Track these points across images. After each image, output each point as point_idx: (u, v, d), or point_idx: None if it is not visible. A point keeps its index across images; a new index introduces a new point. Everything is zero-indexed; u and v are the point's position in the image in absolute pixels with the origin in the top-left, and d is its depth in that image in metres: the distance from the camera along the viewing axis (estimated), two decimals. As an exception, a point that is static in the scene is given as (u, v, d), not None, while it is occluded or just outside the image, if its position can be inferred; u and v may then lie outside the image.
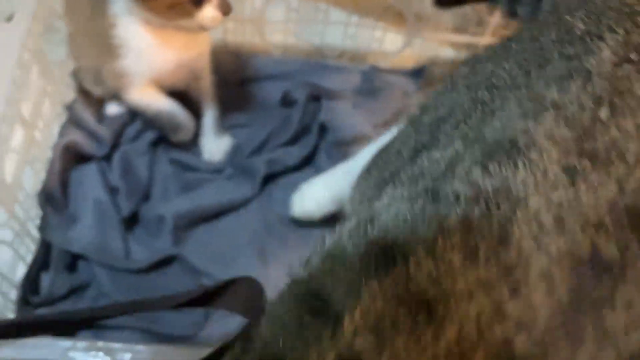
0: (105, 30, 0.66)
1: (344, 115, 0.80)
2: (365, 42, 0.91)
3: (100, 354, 0.49)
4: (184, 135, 0.78)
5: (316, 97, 0.81)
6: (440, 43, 0.91)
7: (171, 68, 0.70)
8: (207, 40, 0.73)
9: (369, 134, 0.80)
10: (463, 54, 0.92)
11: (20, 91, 0.63)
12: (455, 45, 0.94)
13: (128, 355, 0.50)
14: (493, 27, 0.87)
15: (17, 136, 0.63)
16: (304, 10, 0.87)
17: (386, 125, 0.85)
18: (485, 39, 0.89)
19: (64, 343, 0.49)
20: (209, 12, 0.63)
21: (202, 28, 0.64)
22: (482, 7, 0.86)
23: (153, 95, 0.74)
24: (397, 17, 0.87)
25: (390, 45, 0.91)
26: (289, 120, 0.79)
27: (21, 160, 0.65)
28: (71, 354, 0.49)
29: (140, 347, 0.50)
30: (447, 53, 0.94)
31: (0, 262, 0.61)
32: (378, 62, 0.91)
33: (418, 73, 0.89)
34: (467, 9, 0.86)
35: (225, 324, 0.66)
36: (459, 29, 0.90)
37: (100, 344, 0.49)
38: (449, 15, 0.88)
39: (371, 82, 0.87)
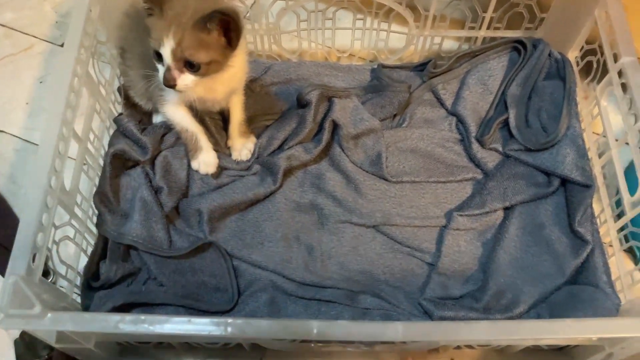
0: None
1: (353, 111, 0.88)
2: (372, 42, 0.98)
3: (145, 325, 0.60)
4: (203, 167, 0.84)
5: (328, 96, 0.88)
6: (442, 38, 0.97)
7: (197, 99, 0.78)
8: (234, 82, 0.79)
9: (377, 127, 0.88)
10: (463, 46, 0.99)
11: (74, 112, 0.74)
12: (456, 39, 0.99)
13: (168, 326, 0.61)
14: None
15: (73, 150, 0.74)
16: (313, 19, 0.95)
17: (393, 118, 0.92)
18: (482, 32, 0.94)
19: (115, 317, 0.60)
20: None
21: None
22: (476, 4, 0.91)
23: (182, 114, 0.81)
24: (400, 16, 0.93)
25: (397, 43, 0.98)
26: (304, 119, 0.87)
27: (77, 169, 0.77)
28: (121, 325, 0.60)
29: (176, 319, 0.61)
30: (449, 46, 1.00)
31: (65, 255, 0.73)
32: (387, 60, 0.98)
33: (423, 66, 0.95)
34: (463, 5, 0.91)
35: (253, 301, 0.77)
36: (458, 24, 0.96)
37: (143, 316, 0.60)
38: (447, 11, 0.93)
39: (379, 79, 0.94)
